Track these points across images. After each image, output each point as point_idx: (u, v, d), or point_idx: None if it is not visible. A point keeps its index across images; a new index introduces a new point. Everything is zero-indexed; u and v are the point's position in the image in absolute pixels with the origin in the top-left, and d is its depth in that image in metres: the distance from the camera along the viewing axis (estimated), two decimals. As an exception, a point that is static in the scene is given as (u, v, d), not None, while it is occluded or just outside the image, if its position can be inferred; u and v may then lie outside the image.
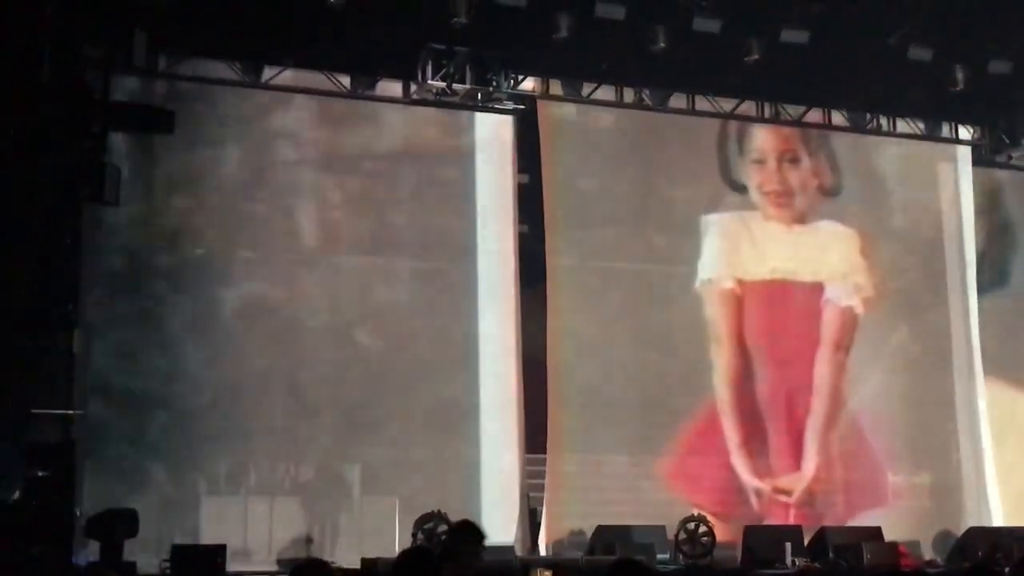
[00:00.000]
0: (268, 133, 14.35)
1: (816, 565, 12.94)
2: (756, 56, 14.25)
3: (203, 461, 13.34)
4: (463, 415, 14.26)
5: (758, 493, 14.95)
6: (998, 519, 15.71)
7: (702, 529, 13.46)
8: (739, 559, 13.55)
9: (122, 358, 13.20)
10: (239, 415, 13.46)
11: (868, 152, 16.59)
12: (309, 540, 12.98)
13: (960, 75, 14.96)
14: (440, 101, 14.76)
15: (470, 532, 5.87)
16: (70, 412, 12.57)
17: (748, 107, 16.16)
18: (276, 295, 13.92)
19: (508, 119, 15.19)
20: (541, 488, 14.27)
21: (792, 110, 16.31)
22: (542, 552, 13.80)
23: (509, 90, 15.12)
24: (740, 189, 15.85)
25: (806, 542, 13.71)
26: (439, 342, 14.34)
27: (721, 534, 13.64)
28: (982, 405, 16.20)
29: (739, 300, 15.41)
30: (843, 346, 15.76)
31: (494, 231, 14.85)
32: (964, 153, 17.08)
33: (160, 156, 13.73)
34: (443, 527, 12.78)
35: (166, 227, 13.74)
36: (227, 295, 13.75)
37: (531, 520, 14.17)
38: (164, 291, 13.50)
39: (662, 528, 13.58)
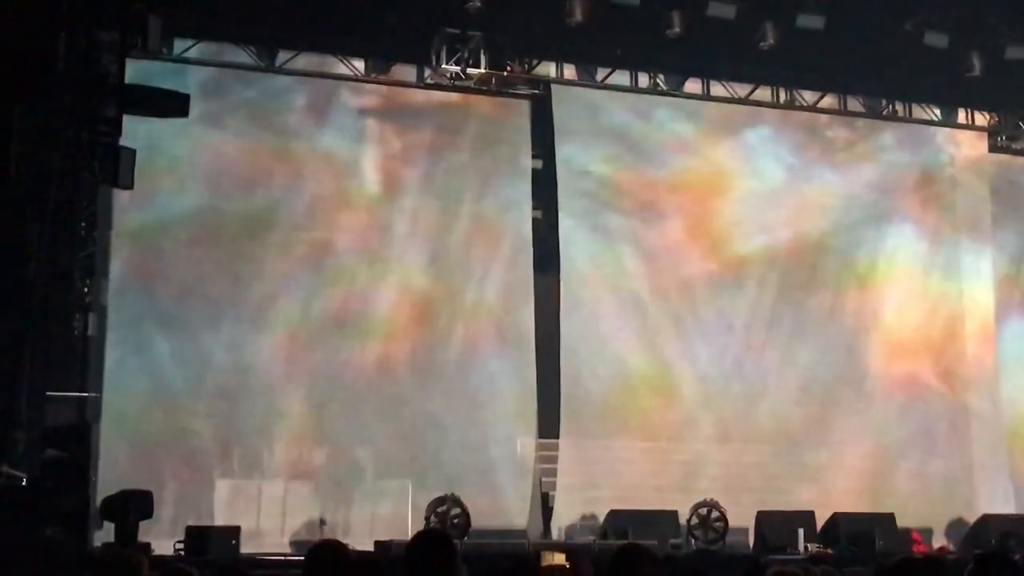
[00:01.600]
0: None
1: (828, 551, 12.94)
2: (771, 41, 14.21)
3: (218, 444, 13.40)
4: (476, 398, 14.31)
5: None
6: (1011, 507, 15.68)
7: (714, 514, 13.47)
8: (751, 544, 13.58)
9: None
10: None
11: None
12: (322, 522, 13.03)
13: (976, 61, 14.88)
14: (454, 86, 14.76)
15: None
16: (85, 395, 12.64)
17: (763, 93, 16.11)
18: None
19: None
20: (554, 473, 14.29)
21: (807, 96, 16.25)
22: (554, 536, 13.82)
23: (523, 75, 15.10)
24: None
25: (819, 528, 13.70)
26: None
27: (734, 519, 13.63)
28: (1000, 389, 16.18)
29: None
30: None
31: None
32: (980, 140, 17.02)
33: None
34: (456, 510, 12.82)
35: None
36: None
37: (544, 505, 14.19)
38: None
39: (674, 513, 13.59)
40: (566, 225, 14.91)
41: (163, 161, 13.56)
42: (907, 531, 13.84)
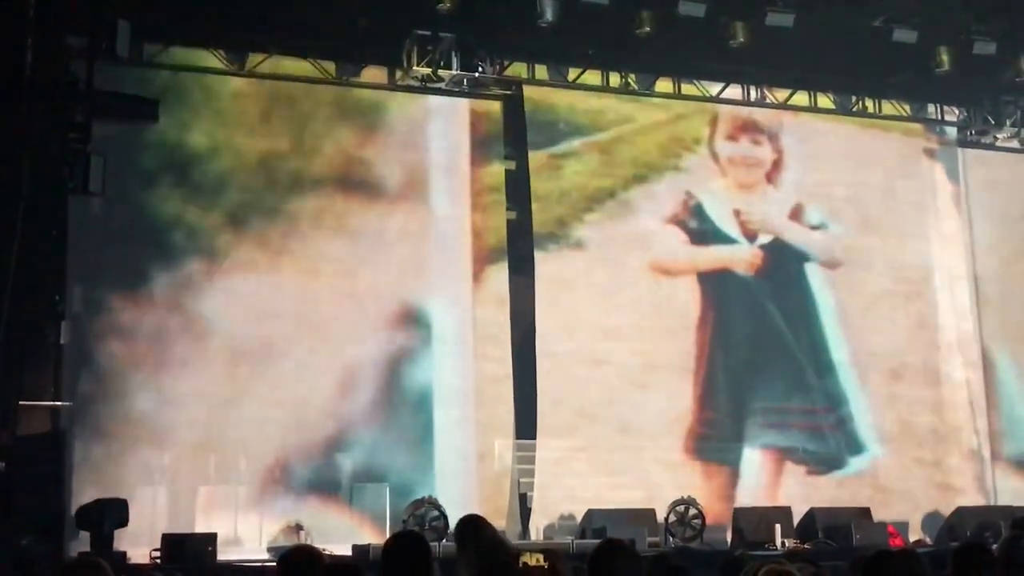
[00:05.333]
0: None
1: (805, 546, 13.00)
2: (741, 40, 14.25)
3: (194, 451, 13.32)
4: (453, 400, 14.29)
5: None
6: (986, 499, 15.80)
7: (692, 512, 13.50)
8: (729, 541, 13.62)
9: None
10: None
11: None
12: (299, 528, 12.98)
13: (945, 57, 14.98)
14: (426, 88, 14.74)
15: None
16: (58, 403, 12.55)
17: (734, 91, 16.17)
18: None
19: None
20: (532, 473, 14.29)
21: (778, 93, 16.31)
22: (533, 537, 13.82)
23: (495, 76, 15.10)
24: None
25: (795, 523, 13.76)
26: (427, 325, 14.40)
27: (711, 516, 13.68)
28: (976, 382, 16.30)
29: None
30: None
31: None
32: (950, 134, 17.17)
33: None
34: (434, 513, 12.80)
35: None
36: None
37: (522, 505, 14.19)
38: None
39: (652, 511, 13.62)
40: (540, 226, 14.92)
41: (134, 167, 13.49)
42: (883, 525, 13.90)
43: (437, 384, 14.28)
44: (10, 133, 11.19)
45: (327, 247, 14.22)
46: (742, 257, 15.68)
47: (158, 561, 11.56)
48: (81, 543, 11.79)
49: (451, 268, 14.63)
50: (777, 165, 16.16)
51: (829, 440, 15.46)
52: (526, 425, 14.41)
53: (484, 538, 5.66)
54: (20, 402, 11.70)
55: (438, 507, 12.91)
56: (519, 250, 14.97)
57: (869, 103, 16.75)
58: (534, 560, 6.50)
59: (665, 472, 14.63)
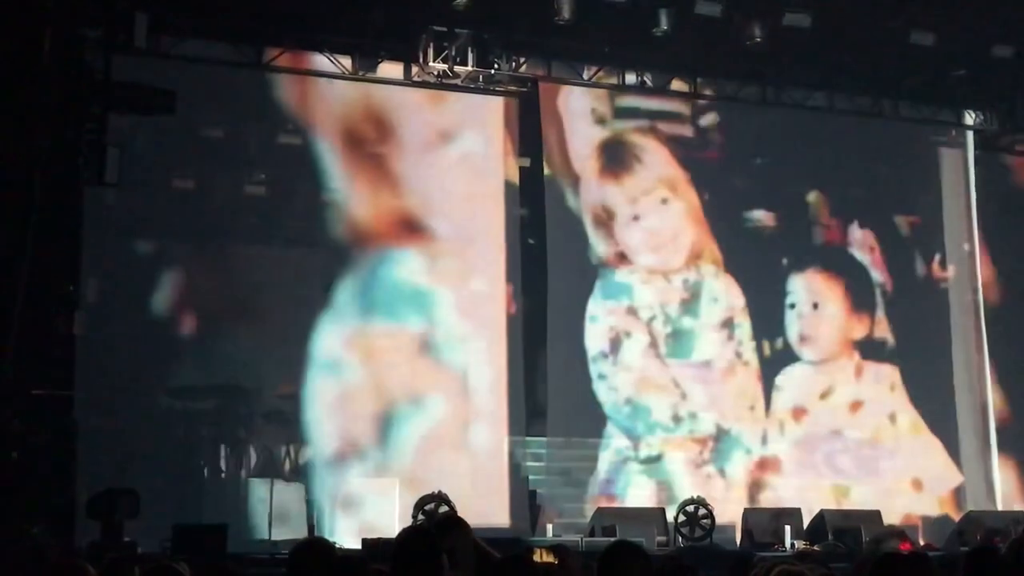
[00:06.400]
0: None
1: (815, 548, 12.96)
2: (758, 39, 14.22)
3: (206, 443, 13.37)
4: (464, 396, 14.31)
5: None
6: (997, 503, 15.77)
7: (701, 512, 13.49)
8: (738, 541, 13.60)
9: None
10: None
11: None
12: (310, 521, 13.00)
13: (962, 59, 14.92)
14: (442, 84, 14.75)
15: None
16: (71, 393, 12.59)
17: (750, 91, 16.13)
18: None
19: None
20: (542, 470, 14.31)
21: (795, 94, 16.27)
22: (541, 535, 13.81)
23: (510, 72, 15.10)
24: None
25: (805, 524, 13.74)
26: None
27: (720, 516, 13.66)
28: (987, 387, 16.26)
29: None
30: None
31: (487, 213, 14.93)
32: (966, 138, 17.10)
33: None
34: (444, 508, 12.80)
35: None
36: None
37: (531, 502, 14.20)
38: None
39: (661, 511, 13.62)
40: (553, 222, 14.92)
41: (149, 158, 13.52)
42: (893, 527, 13.87)
43: (446, 380, 14.29)
44: (26, 124, 11.22)
45: (338, 243, 14.24)
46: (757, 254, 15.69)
47: (168, 551, 11.58)
48: (91, 532, 11.82)
49: (463, 263, 14.64)
50: (791, 162, 16.12)
51: (839, 442, 15.42)
52: (536, 422, 14.42)
53: (468, 542, 5.62)
54: (33, 391, 11.73)
55: (448, 502, 12.91)
56: (532, 246, 14.97)
57: (885, 105, 16.68)
58: (544, 556, 6.50)
59: (675, 471, 14.63)
